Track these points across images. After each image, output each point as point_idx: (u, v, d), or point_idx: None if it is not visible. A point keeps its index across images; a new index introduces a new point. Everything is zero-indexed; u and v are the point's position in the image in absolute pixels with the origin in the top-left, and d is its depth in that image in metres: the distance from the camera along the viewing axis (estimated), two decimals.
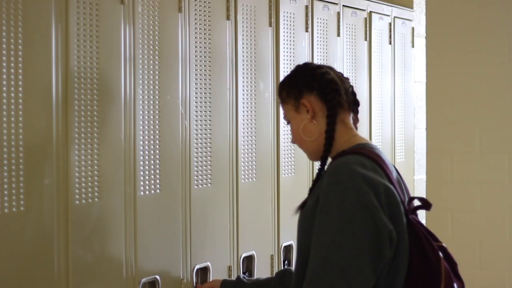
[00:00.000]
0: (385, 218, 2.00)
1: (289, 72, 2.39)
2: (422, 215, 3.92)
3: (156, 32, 2.82)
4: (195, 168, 3.00)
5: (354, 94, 2.30)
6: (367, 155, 2.10)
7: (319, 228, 2.03)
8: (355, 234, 1.97)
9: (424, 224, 2.19)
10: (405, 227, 2.05)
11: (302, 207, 2.21)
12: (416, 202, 2.18)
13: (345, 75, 2.35)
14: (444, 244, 2.15)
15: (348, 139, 2.21)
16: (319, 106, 2.24)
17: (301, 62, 2.54)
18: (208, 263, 3.04)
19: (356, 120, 2.29)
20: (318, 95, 2.24)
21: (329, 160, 2.24)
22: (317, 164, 2.30)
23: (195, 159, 3.01)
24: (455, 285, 2.07)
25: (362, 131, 3.79)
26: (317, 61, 3.68)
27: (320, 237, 2.01)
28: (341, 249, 1.97)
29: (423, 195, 3.95)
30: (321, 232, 2.02)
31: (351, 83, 2.32)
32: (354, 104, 2.29)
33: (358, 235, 1.97)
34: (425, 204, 2.15)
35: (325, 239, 2.00)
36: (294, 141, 2.31)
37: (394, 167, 2.26)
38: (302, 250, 2.15)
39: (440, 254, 2.07)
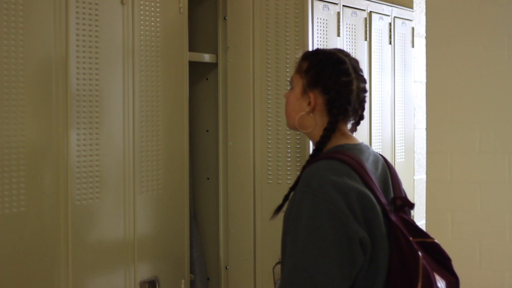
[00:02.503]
0: (355, 225, 1.98)
1: (325, 51, 2.20)
2: (422, 215, 3.93)
3: (158, 33, 2.82)
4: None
5: (363, 101, 2.19)
6: (341, 159, 2.06)
7: (290, 236, 2.01)
8: (324, 242, 1.96)
9: (415, 221, 2.16)
10: (383, 229, 2.03)
11: (278, 210, 2.18)
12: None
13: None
14: (436, 240, 2.12)
15: (334, 143, 2.15)
16: (322, 107, 2.17)
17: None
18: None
19: (353, 129, 2.22)
20: (328, 100, 2.15)
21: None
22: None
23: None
24: (440, 284, 2.05)
25: (362, 131, 3.79)
26: None
27: (291, 245, 2.00)
28: (311, 256, 1.96)
29: (423, 195, 3.95)
30: (292, 239, 2.00)
31: (366, 88, 2.20)
32: (359, 118, 2.20)
33: (327, 243, 1.96)
34: (407, 204, 2.12)
35: (296, 247, 1.98)
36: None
37: (388, 163, 2.21)
38: (283, 254, 2.13)
39: (419, 253, 2.04)
